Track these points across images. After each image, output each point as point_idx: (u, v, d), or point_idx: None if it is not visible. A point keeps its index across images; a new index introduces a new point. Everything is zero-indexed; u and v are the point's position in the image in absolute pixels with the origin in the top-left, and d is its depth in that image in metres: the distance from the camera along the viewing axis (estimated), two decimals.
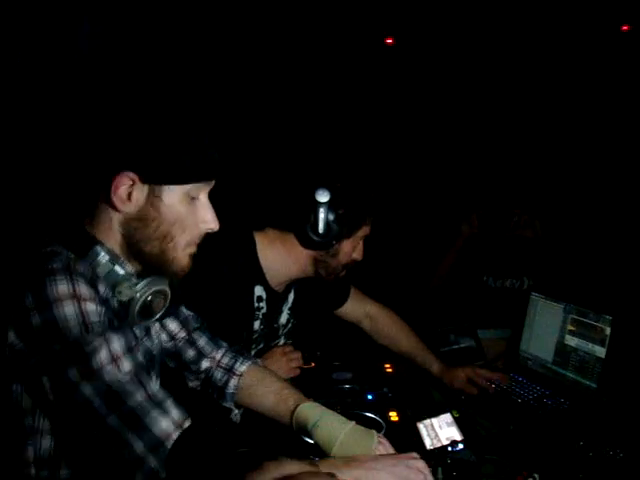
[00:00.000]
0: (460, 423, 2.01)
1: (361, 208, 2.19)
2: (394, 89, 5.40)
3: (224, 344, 1.92)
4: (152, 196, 1.38)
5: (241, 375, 1.86)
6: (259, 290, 2.21)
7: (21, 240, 1.45)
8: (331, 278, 2.27)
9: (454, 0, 4.81)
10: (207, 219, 1.47)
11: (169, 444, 1.27)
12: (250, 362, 1.90)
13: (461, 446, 1.87)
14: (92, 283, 1.32)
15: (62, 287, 1.25)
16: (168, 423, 1.29)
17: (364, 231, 2.24)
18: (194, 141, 1.40)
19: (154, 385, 1.34)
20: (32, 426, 1.34)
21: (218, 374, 1.87)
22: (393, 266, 4.31)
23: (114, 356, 1.27)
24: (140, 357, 1.37)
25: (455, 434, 1.93)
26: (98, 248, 1.40)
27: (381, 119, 5.36)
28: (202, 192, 1.46)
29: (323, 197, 2.07)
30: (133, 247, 1.42)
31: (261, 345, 2.32)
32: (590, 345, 2.45)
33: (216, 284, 2.08)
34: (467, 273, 3.57)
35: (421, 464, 1.48)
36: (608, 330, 2.39)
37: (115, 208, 1.38)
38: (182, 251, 1.45)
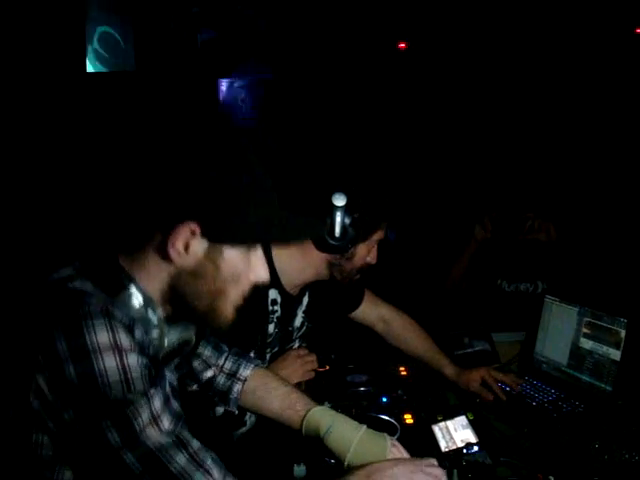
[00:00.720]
0: (475, 425, 2.02)
1: (377, 212, 2.19)
2: (409, 93, 5.42)
3: (226, 348, 1.89)
4: (212, 251, 1.30)
5: (245, 380, 1.84)
6: (274, 293, 2.23)
7: (40, 269, 1.35)
8: (346, 282, 2.28)
9: (465, 5, 4.82)
10: (261, 273, 1.42)
11: None
12: (253, 365, 1.88)
13: (476, 448, 1.87)
14: (130, 329, 1.19)
15: (102, 335, 1.13)
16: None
17: (379, 235, 2.25)
18: (262, 198, 1.33)
19: (194, 442, 1.27)
20: (51, 478, 1.24)
21: (221, 380, 1.84)
22: (407, 269, 4.31)
23: (155, 415, 1.19)
24: (175, 404, 1.30)
25: (470, 436, 1.94)
26: (133, 288, 1.31)
27: (396, 123, 5.38)
28: (259, 247, 1.41)
29: (340, 201, 2.07)
30: (179, 299, 1.35)
31: (276, 348, 2.33)
32: (605, 348, 2.45)
33: None
34: (481, 277, 3.57)
35: (439, 471, 1.49)
36: (623, 333, 2.39)
37: (167, 258, 1.28)
38: (231, 306, 1.39)
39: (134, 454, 1.16)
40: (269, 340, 2.28)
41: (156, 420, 1.19)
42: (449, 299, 3.62)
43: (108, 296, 1.23)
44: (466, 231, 3.57)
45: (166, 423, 1.20)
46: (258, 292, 2.15)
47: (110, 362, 1.13)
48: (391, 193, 2.33)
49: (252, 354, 2.15)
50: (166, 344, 1.39)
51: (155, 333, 1.35)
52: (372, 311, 2.66)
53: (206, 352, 1.82)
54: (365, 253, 2.24)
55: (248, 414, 2.01)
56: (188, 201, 1.26)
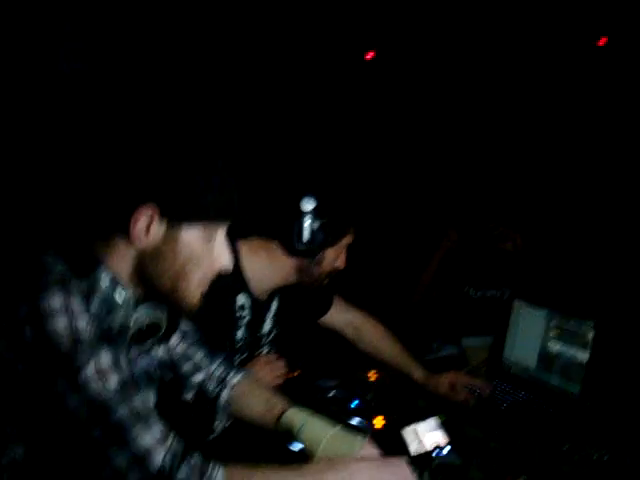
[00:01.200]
0: (446, 428, 2.01)
1: (345, 216, 2.19)
2: (376, 101, 5.43)
3: (219, 356, 1.90)
4: (170, 232, 1.35)
5: (233, 387, 1.86)
6: (242, 298, 2.21)
7: (21, 247, 1.42)
8: (315, 286, 2.27)
9: (434, 13, 4.86)
10: (223, 259, 1.46)
11: (150, 460, 1.26)
12: (243, 373, 1.90)
13: (447, 450, 1.87)
14: (86, 299, 1.30)
15: (55, 301, 1.24)
16: (150, 439, 1.27)
17: (348, 239, 2.24)
18: (219, 181, 1.38)
19: (144, 401, 1.32)
20: (10, 432, 1.32)
21: (211, 386, 1.85)
22: (375, 277, 4.32)
23: (101, 371, 1.25)
24: (128, 373, 1.33)
25: (440, 439, 1.93)
26: (101, 270, 1.37)
27: (364, 129, 5.39)
28: (219, 231, 1.44)
29: (308, 205, 2.07)
30: (144, 281, 1.41)
31: (245, 354, 2.31)
32: (573, 350, 2.47)
33: None
34: (449, 284, 3.59)
35: (407, 471, 1.51)
36: (591, 335, 2.41)
37: (131, 240, 1.35)
38: (194, 289, 1.42)
39: (78, 398, 1.22)
40: (238, 346, 2.26)
41: (101, 375, 1.25)
42: (418, 306, 3.63)
43: (75, 276, 1.32)
44: (433, 240, 3.60)
45: (112, 380, 1.26)
46: (226, 298, 2.16)
47: (60, 323, 1.23)
48: (360, 199, 2.33)
49: None
50: (132, 324, 1.43)
51: (121, 313, 1.40)
52: (341, 316, 2.65)
53: (197, 356, 1.83)
54: (334, 258, 2.23)
55: (217, 421, 1.99)
56: (147, 185, 1.33)
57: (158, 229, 1.34)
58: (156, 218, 1.32)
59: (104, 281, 1.37)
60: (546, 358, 2.59)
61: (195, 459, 1.31)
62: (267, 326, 2.39)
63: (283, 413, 1.73)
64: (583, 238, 3.45)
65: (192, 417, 1.92)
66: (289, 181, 2.18)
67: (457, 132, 5.30)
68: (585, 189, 4.24)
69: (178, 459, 1.28)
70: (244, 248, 2.23)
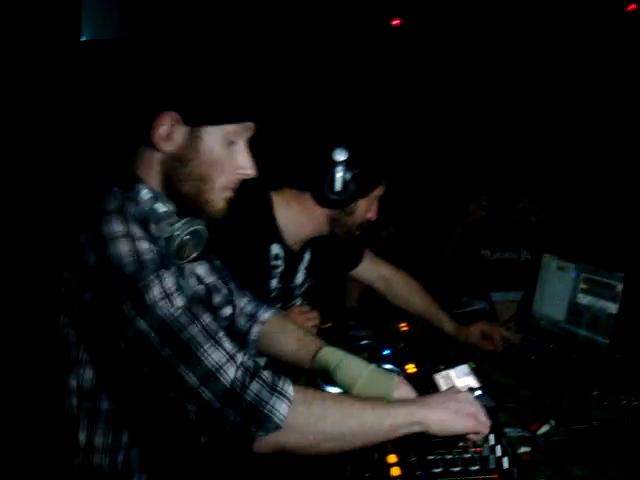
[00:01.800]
0: (476, 375, 2.04)
1: (377, 167, 2.22)
2: (404, 67, 5.40)
3: (248, 293, 1.93)
4: (192, 136, 1.39)
5: (264, 322, 1.89)
6: (276, 248, 2.25)
7: (70, 178, 1.47)
8: (346, 237, 2.31)
9: None
10: (244, 164, 1.48)
11: (222, 376, 1.26)
12: (273, 310, 1.93)
13: (479, 392, 1.90)
14: (144, 223, 1.36)
15: (117, 226, 1.28)
16: (221, 355, 1.28)
17: (379, 191, 2.27)
18: (236, 83, 1.42)
19: (212, 318, 1.34)
20: (76, 359, 1.38)
21: (241, 321, 1.89)
22: (404, 245, 4.35)
23: (167, 292, 1.28)
24: (190, 292, 1.38)
25: (472, 382, 1.97)
26: (140, 186, 1.42)
27: (397, 92, 5.36)
28: (241, 138, 1.46)
29: (340, 156, 2.09)
30: (172, 186, 1.44)
31: (278, 305, 2.35)
32: (602, 302, 2.48)
33: (233, 242, 2.11)
34: (466, 247, 3.64)
35: (468, 395, 1.53)
36: (620, 287, 2.42)
37: (155, 148, 1.40)
38: (218, 194, 1.46)
39: (146, 320, 1.25)
40: (272, 295, 2.30)
41: (168, 296, 1.28)
42: (446, 264, 3.66)
43: (122, 194, 1.38)
44: (459, 208, 3.62)
45: (179, 301, 1.29)
46: (260, 246, 2.20)
47: (124, 247, 1.27)
48: (393, 150, 2.35)
49: None
50: (177, 233, 1.45)
51: (166, 225, 1.44)
52: (372, 269, 2.69)
53: (228, 289, 1.85)
54: (366, 209, 2.26)
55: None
56: (165, 93, 1.38)
57: (180, 134, 1.39)
58: (178, 123, 1.37)
59: (145, 194, 1.42)
60: (575, 311, 2.60)
61: (266, 374, 1.31)
62: (300, 277, 2.43)
63: (318, 351, 1.75)
64: (610, 191, 3.44)
65: None
66: (321, 132, 2.20)
67: (488, 101, 5.25)
68: (611, 143, 4.21)
69: (250, 374, 1.29)
70: (277, 199, 2.26)
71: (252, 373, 1.29)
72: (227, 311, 1.85)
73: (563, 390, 2.11)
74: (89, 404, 1.40)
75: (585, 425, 1.87)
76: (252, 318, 1.90)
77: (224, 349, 1.29)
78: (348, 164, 2.11)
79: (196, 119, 1.39)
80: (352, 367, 1.67)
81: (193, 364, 1.26)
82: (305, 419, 1.30)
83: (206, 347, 1.27)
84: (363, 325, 2.53)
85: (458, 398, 1.49)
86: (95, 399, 1.40)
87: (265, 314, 1.91)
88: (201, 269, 1.76)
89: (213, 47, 1.43)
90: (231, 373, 1.27)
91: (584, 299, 2.57)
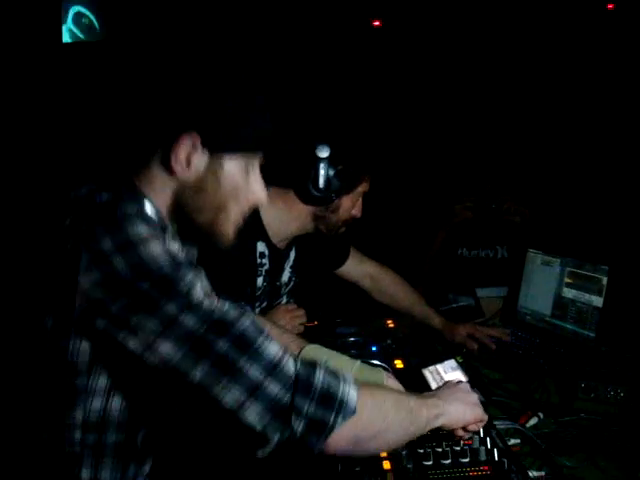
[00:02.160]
0: (464, 368, 2.05)
1: (360, 164, 2.22)
2: (391, 65, 5.42)
3: (224, 298, 1.88)
4: (213, 163, 1.32)
5: None
6: (261, 246, 2.24)
7: (68, 187, 1.37)
8: (332, 234, 2.30)
9: None
10: (258, 191, 1.43)
11: (284, 367, 1.18)
12: (253, 312, 1.92)
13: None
14: (164, 230, 1.30)
15: (142, 228, 1.18)
16: (277, 347, 1.21)
17: (363, 187, 2.27)
18: (258, 111, 1.36)
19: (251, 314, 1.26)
20: (84, 388, 1.24)
21: None
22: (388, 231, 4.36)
23: (207, 291, 1.20)
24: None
25: (460, 377, 1.97)
26: (147, 204, 1.32)
27: (380, 91, 5.37)
28: (256, 163, 1.41)
29: (323, 152, 2.10)
30: (182, 214, 1.37)
31: (264, 304, 2.35)
32: (587, 296, 2.49)
33: None
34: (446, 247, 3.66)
35: (467, 386, 1.56)
36: (605, 280, 2.43)
37: (171, 172, 1.31)
38: (232, 223, 1.40)
39: (196, 316, 1.15)
40: (258, 294, 2.29)
41: (209, 294, 1.20)
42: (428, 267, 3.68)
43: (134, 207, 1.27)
44: (444, 208, 3.64)
45: (219, 301, 1.20)
46: (246, 244, 2.19)
47: (156, 248, 1.17)
48: (376, 146, 2.35)
49: None
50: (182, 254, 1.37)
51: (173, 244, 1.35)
52: (358, 267, 2.68)
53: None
54: (350, 205, 2.26)
55: None
56: (187, 114, 1.29)
57: (200, 159, 1.30)
58: (198, 148, 1.29)
59: (150, 210, 1.32)
60: (561, 305, 2.61)
61: (323, 363, 1.25)
62: (286, 275, 2.42)
63: (301, 350, 1.74)
64: (594, 186, 3.46)
65: None
66: (304, 129, 2.20)
67: (468, 99, 5.27)
68: (594, 138, 4.24)
69: (308, 364, 1.23)
70: None
71: (310, 363, 1.23)
72: None
73: (551, 383, 2.12)
74: (94, 437, 1.27)
75: (573, 417, 1.87)
76: None
77: (276, 342, 1.22)
78: (331, 161, 2.11)
79: (219, 145, 1.31)
80: (339, 364, 1.66)
81: (254, 355, 1.16)
82: (372, 404, 1.26)
83: (261, 339, 1.19)
84: (350, 322, 2.53)
85: (462, 389, 1.52)
86: (101, 432, 1.28)
87: None
88: None
89: (243, 68, 1.37)
90: (291, 363, 1.20)
91: (569, 293, 2.58)
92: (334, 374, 1.23)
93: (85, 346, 1.21)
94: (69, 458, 1.27)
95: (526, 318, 2.78)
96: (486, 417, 1.52)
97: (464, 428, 1.48)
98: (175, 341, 1.13)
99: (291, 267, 2.43)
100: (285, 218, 2.25)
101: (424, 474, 1.43)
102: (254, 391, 1.14)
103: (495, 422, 1.70)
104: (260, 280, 2.28)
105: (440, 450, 1.51)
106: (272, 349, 1.19)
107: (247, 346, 1.16)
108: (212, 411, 1.17)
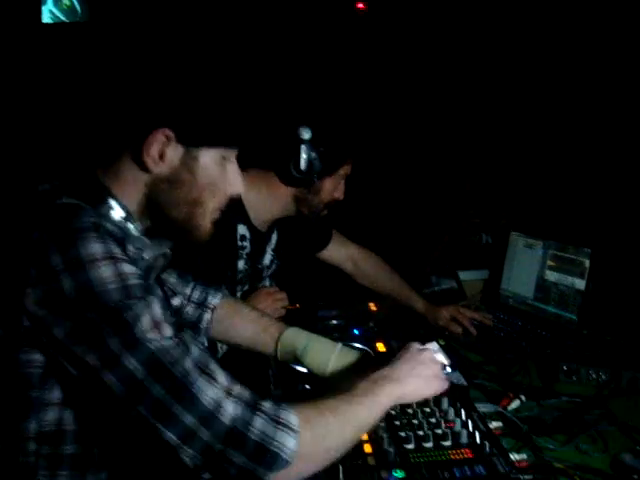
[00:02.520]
0: (446, 351, 2.04)
1: (342, 146, 2.20)
2: (375, 47, 5.38)
3: (191, 279, 1.83)
4: (187, 157, 1.29)
5: (214, 308, 1.80)
6: (242, 229, 2.22)
7: (23, 187, 1.32)
8: (313, 217, 2.29)
9: None
10: (236, 183, 1.40)
11: (222, 414, 1.13)
12: (222, 294, 1.84)
13: (449, 370, 1.89)
14: (121, 242, 1.19)
15: (96, 247, 1.11)
16: (218, 390, 1.15)
17: (345, 170, 2.25)
18: (234, 103, 1.34)
19: (200, 348, 1.20)
20: (38, 398, 1.19)
21: (190, 310, 1.78)
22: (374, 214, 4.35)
23: (156, 321, 1.14)
24: (173, 319, 1.21)
25: (442, 359, 1.96)
26: (112, 202, 1.28)
27: (366, 64, 5.34)
28: (233, 155, 1.38)
29: (305, 134, 2.08)
30: (156, 210, 1.33)
31: (246, 287, 2.33)
32: (570, 279, 2.49)
33: None
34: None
35: (429, 353, 1.57)
36: (587, 263, 2.43)
37: (143, 167, 1.27)
38: (208, 218, 1.38)
39: (136, 357, 1.10)
40: (239, 277, 2.27)
41: (157, 325, 1.14)
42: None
43: (96, 209, 1.23)
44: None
45: (167, 330, 1.15)
46: (226, 227, 2.17)
47: (107, 271, 1.11)
48: (358, 128, 2.33)
49: None
50: (147, 257, 1.33)
51: (136, 246, 1.30)
52: (341, 251, 2.67)
53: (171, 279, 1.75)
54: (332, 188, 2.24)
55: (219, 346, 2.01)
56: (160, 107, 1.26)
57: (174, 154, 1.27)
58: (172, 142, 1.26)
59: (117, 212, 1.28)
60: (543, 288, 2.61)
61: (266, 404, 1.19)
62: (267, 258, 2.40)
63: (281, 333, 1.72)
64: (576, 168, 3.44)
65: None
66: (286, 110, 2.18)
67: (449, 85, 5.24)
68: (576, 117, 4.23)
69: (250, 408, 1.17)
70: (244, 179, 2.23)
71: (252, 406, 1.17)
72: (174, 302, 1.73)
73: (532, 366, 2.11)
74: (49, 449, 1.22)
75: (555, 400, 1.87)
76: (201, 305, 1.79)
77: (219, 382, 1.16)
78: (313, 142, 2.09)
79: (194, 139, 1.28)
80: (321, 348, 1.65)
81: (189, 403, 1.12)
82: (312, 445, 1.21)
83: (200, 383, 1.14)
84: (332, 306, 2.51)
85: (422, 360, 1.51)
86: (57, 443, 1.22)
87: (214, 299, 1.81)
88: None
89: (217, 61, 1.35)
90: (230, 409, 1.14)
91: (552, 276, 2.58)
92: (275, 419, 1.17)
93: (36, 358, 1.16)
94: (24, 469, 1.22)
95: (508, 301, 2.79)
96: (446, 385, 1.52)
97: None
98: (114, 378, 1.10)
99: (273, 250, 2.41)
100: (266, 200, 2.23)
101: (405, 457, 1.42)
102: (187, 438, 1.11)
103: (477, 405, 1.69)
104: (241, 263, 2.26)
105: (422, 433, 1.50)
106: (211, 394, 1.14)
107: (183, 392, 1.12)
108: (154, 440, 1.13)
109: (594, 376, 2.00)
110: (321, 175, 2.16)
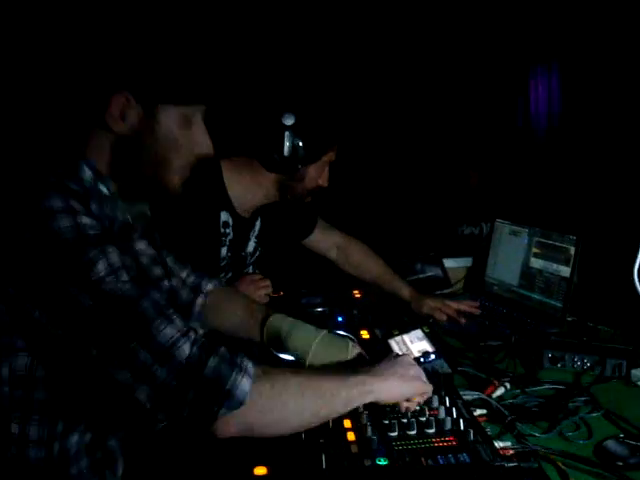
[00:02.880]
0: (430, 338, 2.03)
1: (326, 133, 2.18)
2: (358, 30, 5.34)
3: (188, 265, 1.87)
4: (147, 117, 1.32)
5: (207, 294, 1.84)
6: (225, 216, 2.21)
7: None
8: (297, 203, 2.28)
9: None
10: (203, 143, 1.41)
11: (177, 352, 1.17)
12: (216, 281, 1.88)
13: (433, 357, 1.89)
14: (85, 200, 1.24)
15: (56, 201, 1.18)
16: (174, 331, 1.19)
17: (330, 156, 2.24)
18: (193, 59, 1.36)
19: (160, 295, 1.25)
20: (8, 345, 1.25)
21: (184, 293, 1.82)
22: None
23: (113, 268, 1.19)
24: (137, 269, 1.31)
25: (427, 347, 1.95)
26: (82, 163, 1.32)
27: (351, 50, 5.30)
28: (197, 115, 1.40)
29: (288, 120, 2.06)
30: (124, 170, 1.36)
31: (229, 274, 2.32)
32: (555, 266, 2.49)
33: (182, 210, 2.07)
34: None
35: (409, 358, 1.55)
36: (572, 250, 2.42)
37: (108, 128, 1.31)
38: (175, 176, 1.39)
39: (92, 296, 1.15)
40: (222, 264, 2.26)
41: (114, 272, 1.19)
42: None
43: (63, 170, 1.28)
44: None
45: (124, 276, 1.20)
46: (209, 214, 2.15)
47: (65, 222, 1.17)
48: (343, 115, 2.32)
49: None
50: (120, 217, 1.38)
51: (108, 206, 1.34)
52: (325, 238, 2.66)
53: (168, 260, 1.78)
54: (316, 175, 2.23)
55: None
56: (116, 70, 1.29)
57: (134, 114, 1.30)
58: (131, 102, 1.29)
59: (86, 173, 1.32)
60: (528, 275, 2.61)
61: (223, 349, 1.23)
62: (251, 245, 2.39)
63: (267, 319, 1.73)
64: (563, 156, 3.45)
65: None
66: (269, 96, 2.16)
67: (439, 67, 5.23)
68: (565, 105, 4.23)
69: (206, 349, 1.20)
70: (227, 166, 2.22)
71: (208, 348, 1.21)
72: (168, 284, 1.75)
73: (517, 353, 2.10)
74: (21, 393, 1.28)
75: (539, 387, 1.86)
76: (195, 290, 1.83)
77: (176, 325, 1.20)
78: (296, 129, 2.08)
79: (151, 97, 1.31)
80: (304, 333, 1.66)
81: (145, 340, 1.16)
82: (268, 395, 1.24)
83: (158, 322, 1.18)
84: (316, 293, 2.50)
85: (402, 363, 1.50)
86: (28, 388, 1.28)
87: (208, 285, 1.85)
88: (141, 243, 1.68)
89: (168, 20, 1.36)
90: (186, 349, 1.18)
91: (537, 263, 2.58)
92: (231, 362, 1.21)
93: (2, 307, 1.22)
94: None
95: (493, 288, 2.78)
96: (430, 388, 1.51)
97: (408, 400, 1.48)
98: (72, 318, 1.16)
99: (256, 237, 2.40)
100: (250, 187, 2.22)
101: (389, 445, 1.41)
102: (142, 374, 1.16)
103: (461, 392, 1.68)
104: (224, 250, 2.24)
105: (405, 421, 1.48)
106: (168, 332, 1.18)
107: (139, 330, 1.17)
108: (110, 383, 1.18)
109: (579, 363, 2.00)
110: (305, 162, 2.14)
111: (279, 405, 1.26)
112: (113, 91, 1.28)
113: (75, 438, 1.34)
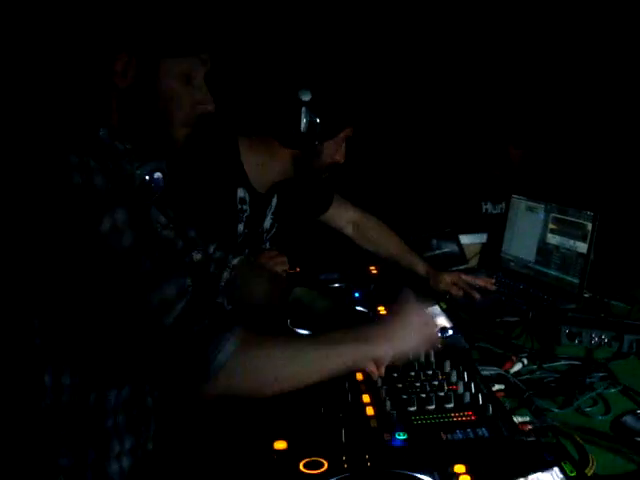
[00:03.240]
0: (448, 314, 2.04)
1: (343, 109, 2.18)
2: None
3: (214, 241, 1.92)
4: (147, 72, 1.34)
5: (233, 268, 1.87)
6: (242, 192, 2.21)
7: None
8: (314, 180, 2.28)
9: None
10: (203, 99, 1.43)
11: (173, 308, 1.23)
12: (242, 257, 1.92)
13: (451, 332, 1.89)
14: (101, 158, 1.28)
15: (72, 159, 1.22)
16: (172, 290, 1.25)
17: (346, 132, 2.23)
18: (188, 13, 1.37)
19: (165, 257, 1.33)
20: (39, 297, 1.29)
21: (210, 267, 1.86)
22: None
23: (118, 226, 1.22)
24: (146, 231, 1.33)
25: (444, 322, 1.96)
26: (98, 124, 1.36)
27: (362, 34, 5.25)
28: (198, 73, 1.42)
29: (305, 96, 2.06)
30: (128, 123, 1.39)
31: (246, 251, 2.32)
32: (572, 242, 2.48)
33: (199, 186, 2.08)
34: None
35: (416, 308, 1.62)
36: (589, 226, 2.42)
37: (115, 87, 1.34)
38: (177, 130, 1.42)
39: (97, 252, 1.20)
40: (239, 240, 2.26)
41: (119, 230, 1.22)
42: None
43: (81, 132, 1.32)
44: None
45: (127, 239, 1.23)
46: (226, 190, 2.16)
47: (76, 179, 1.20)
48: (360, 92, 2.31)
49: None
50: (139, 171, 1.41)
51: (127, 163, 1.39)
52: (342, 214, 2.65)
53: (191, 233, 1.83)
54: (333, 151, 2.23)
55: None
56: (119, 29, 1.31)
57: (134, 70, 1.33)
58: (132, 60, 1.32)
59: (102, 132, 1.36)
60: (545, 251, 2.61)
61: (213, 313, 1.30)
62: (267, 222, 2.39)
63: (292, 291, 1.79)
64: (579, 131, 3.42)
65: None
66: (287, 72, 2.16)
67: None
68: (581, 81, 4.19)
69: (199, 309, 1.27)
70: (244, 143, 2.22)
71: (202, 308, 1.27)
72: (196, 256, 1.82)
73: (534, 329, 2.11)
74: (53, 344, 1.32)
75: (556, 363, 1.87)
76: (221, 264, 1.87)
77: (175, 284, 1.26)
78: (313, 105, 2.07)
79: (148, 53, 1.33)
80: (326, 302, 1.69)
81: (141, 298, 1.22)
82: (253, 358, 1.29)
83: (154, 282, 1.24)
84: (332, 269, 2.51)
85: (406, 321, 1.55)
86: (59, 339, 1.31)
87: (234, 260, 1.89)
88: (165, 217, 1.71)
89: None
90: (179, 306, 1.24)
91: (553, 239, 2.57)
92: (221, 323, 1.28)
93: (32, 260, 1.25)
94: (30, 363, 1.31)
95: (510, 264, 2.78)
96: (435, 340, 1.60)
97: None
98: (80, 274, 1.20)
99: (273, 213, 2.40)
100: (267, 163, 2.22)
101: (408, 419, 1.42)
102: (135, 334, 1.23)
103: (479, 368, 1.69)
104: (241, 227, 2.25)
105: (424, 396, 1.49)
106: (166, 291, 1.24)
107: (135, 288, 1.23)
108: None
109: (596, 339, 2.00)
110: (321, 138, 2.14)
111: (263, 370, 1.31)
112: (117, 50, 1.31)
113: (114, 393, 1.38)
